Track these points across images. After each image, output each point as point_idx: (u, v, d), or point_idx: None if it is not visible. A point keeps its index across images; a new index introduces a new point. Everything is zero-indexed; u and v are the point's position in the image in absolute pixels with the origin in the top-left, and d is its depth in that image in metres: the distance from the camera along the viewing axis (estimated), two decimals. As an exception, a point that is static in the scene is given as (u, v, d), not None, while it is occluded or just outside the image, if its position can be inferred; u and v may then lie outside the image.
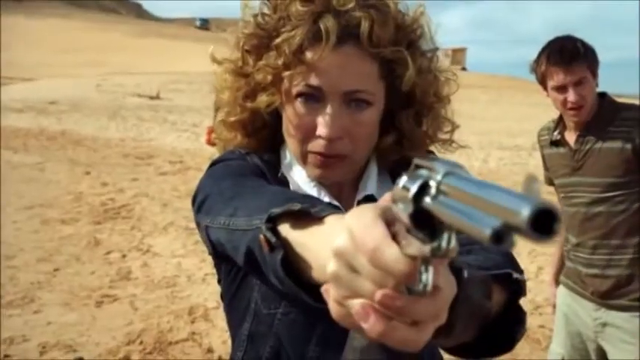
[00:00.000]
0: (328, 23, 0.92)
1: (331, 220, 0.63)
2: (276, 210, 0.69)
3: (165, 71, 31.28)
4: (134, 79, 27.38)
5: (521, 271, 0.80)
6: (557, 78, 2.18)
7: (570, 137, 2.31)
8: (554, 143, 2.37)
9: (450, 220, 0.42)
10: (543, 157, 2.48)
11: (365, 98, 0.96)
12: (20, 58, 42.93)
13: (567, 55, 2.15)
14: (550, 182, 2.47)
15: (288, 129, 1.00)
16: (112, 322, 4.04)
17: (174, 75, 28.48)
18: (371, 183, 1.04)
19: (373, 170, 1.06)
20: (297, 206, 0.67)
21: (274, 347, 0.99)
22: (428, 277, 0.46)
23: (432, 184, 0.45)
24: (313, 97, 0.96)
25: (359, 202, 1.02)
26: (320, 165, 0.98)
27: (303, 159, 1.00)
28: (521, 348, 3.66)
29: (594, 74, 2.21)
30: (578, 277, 2.36)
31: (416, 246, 0.46)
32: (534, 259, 5.37)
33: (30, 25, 76.08)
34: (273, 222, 0.69)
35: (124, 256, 5.46)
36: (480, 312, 0.66)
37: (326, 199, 1.01)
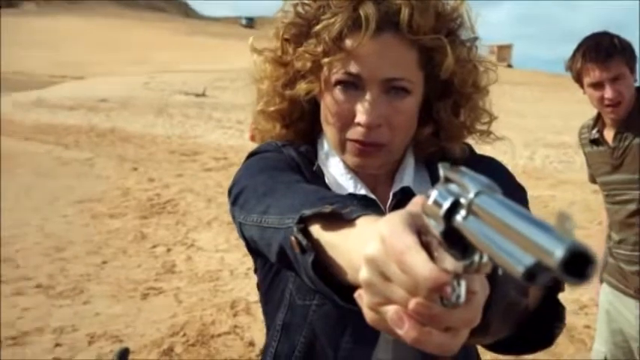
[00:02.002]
0: (368, 10, 0.92)
1: (362, 222, 0.63)
2: (307, 212, 0.69)
3: (211, 69, 31.71)
4: (181, 77, 27.85)
5: None
6: (593, 75, 2.14)
7: (609, 135, 2.27)
8: (594, 142, 2.34)
9: (481, 247, 0.42)
10: (585, 155, 2.44)
11: (404, 86, 0.95)
12: (72, 57, 44.22)
13: (603, 52, 2.11)
14: (594, 180, 2.43)
15: (327, 117, 1.00)
16: (156, 314, 4.13)
17: (219, 72, 28.85)
18: (407, 175, 1.03)
19: (410, 162, 1.05)
20: (328, 208, 0.67)
21: (308, 338, 0.99)
22: (461, 290, 0.46)
23: (463, 201, 0.44)
24: (352, 85, 0.96)
25: (395, 194, 1.01)
26: (358, 153, 0.98)
27: (342, 147, 1.00)
28: (566, 348, 3.58)
29: (632, 70, 2.16)
30: (620, 274, 2.33)
31: (449, 261, 0.46)
32: (581, 258, 5.22)
33: (81, 24, 78.31)
34: (304, 223, 0.69)
35: (168, 250, 5.57)
36: (516, 309, 0.64)
37: (362, 191, 1.01)
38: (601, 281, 2.49)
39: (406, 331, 0.47)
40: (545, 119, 17.36)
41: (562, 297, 0.78)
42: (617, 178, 2.25)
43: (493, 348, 0.75)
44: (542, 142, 13.09)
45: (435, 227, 0.47)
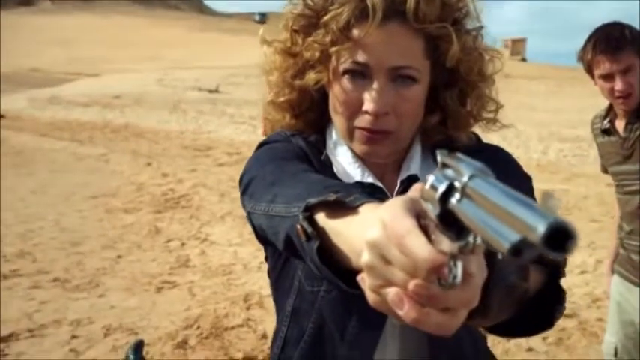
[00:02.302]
0: (375, 0, 0.93)
1: (365, 210, 0.65)
2: (313, 200, 0.71)
3: (225, 65, 31.80)
4: (194, 73, 27.96)
5: None
6: (603, 66, 2.12)
7: (620, 125, 2.26)
8: (605, 132, 2.33)
9: (473, 226, 0.44)
10: (597, 145, 2.44)
11: (410, 74, 0.97)
12: (86, 54, 44.52)
13: (613, 43, 2.09)
14: (605, 170, 2.43)
15: (335, 106, 1.02)
16: (171, 307, 4.17)
17: (232, 69, 28.92)
18: (414, 163, 1.05)
19: (417, 150, 1.06)
20: (332, 197, 0.69)
21: (316, 323, 1.02)
22: (457, 271, 0.48)
23: (458, 185, 0.46)
24: (360, 74, 0.97)
25: (402, 182, 1.03)
26: (366, 141, 0.99)
27: (350, 136, 1.01)
28: (578, 341, 3.57)
29: None
30: (631, 264, 2.32)
31: (445, 243, 0.48)
32: (593, 251, 5.20)
33: (96, 22, 78.81)
34: (309, 211, 0.71)
35: (182, 244, 5.61)
36: (516, 292, 0.66)
37: (369, 179, 1.03)
38: (612, 273, 2.49)
39: (406, 311, 0.49)
40: (559, 113, 17.22)
41: (575, 290, 0.80)
42: (628, 168, 2.24)
43: (494, 330, 0.76)
44: (557, 136, 13.00)
45: (432, 211, 0.49)
